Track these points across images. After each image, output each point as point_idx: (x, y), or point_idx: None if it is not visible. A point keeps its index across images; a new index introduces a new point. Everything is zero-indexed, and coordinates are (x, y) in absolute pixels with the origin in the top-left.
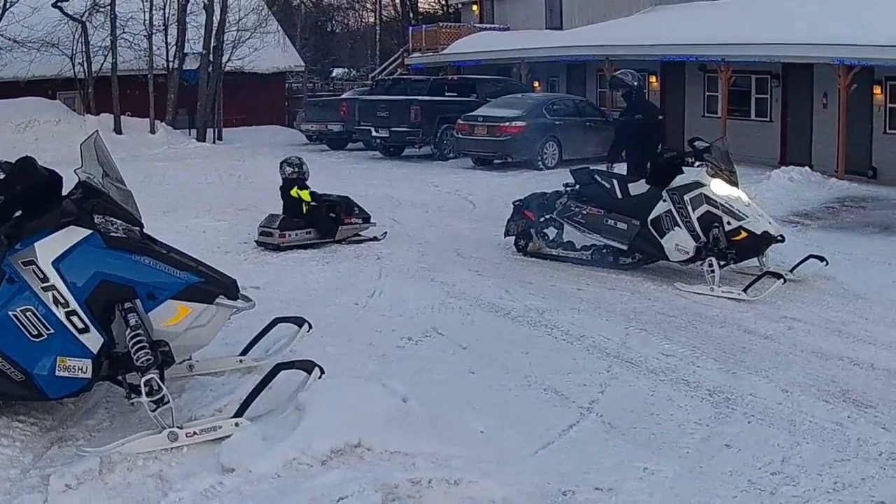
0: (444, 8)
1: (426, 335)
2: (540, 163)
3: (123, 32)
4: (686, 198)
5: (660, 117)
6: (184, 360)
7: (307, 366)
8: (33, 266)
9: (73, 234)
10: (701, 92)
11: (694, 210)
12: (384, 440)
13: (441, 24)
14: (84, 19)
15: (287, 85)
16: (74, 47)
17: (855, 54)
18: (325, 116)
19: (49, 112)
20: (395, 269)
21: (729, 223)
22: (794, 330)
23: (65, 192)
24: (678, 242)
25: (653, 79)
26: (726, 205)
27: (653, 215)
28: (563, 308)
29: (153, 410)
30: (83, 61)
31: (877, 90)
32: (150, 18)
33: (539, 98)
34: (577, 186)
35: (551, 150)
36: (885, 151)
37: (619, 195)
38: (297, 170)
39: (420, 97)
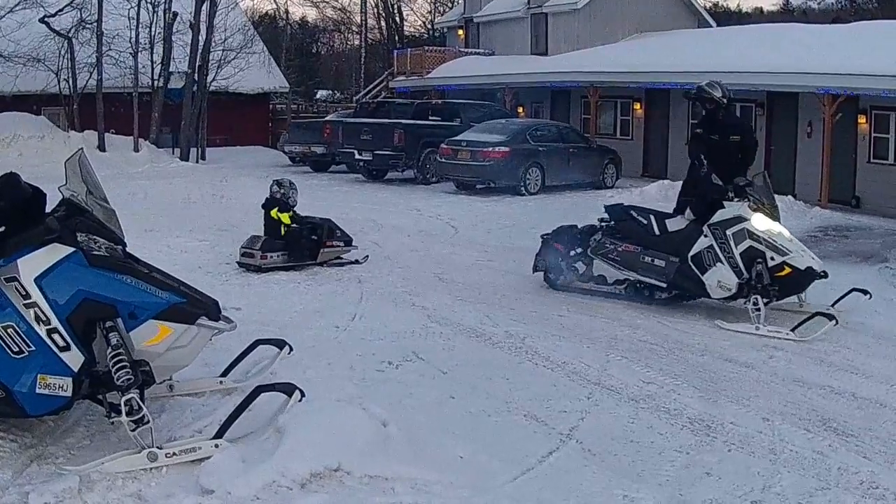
0: (430, 32)
1: (407, 359)
2: (523, 188)
3: (109, 49)
4: (728, 233)
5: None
6: (164, 381)
7: (287, 388)
8: (15, 283)
9: (55, 252)
10: (685, 119)
11: (737, 245)
12: (364, 464)
13: (426, 47)
14: (70, 35)
15: (271, 106)
16: (60, 63)
17: (840, 83)
18: (308, 138)
19: (33, 127)
20: (376, 292)
21: (772, 259)
22: (775, 358)
23: (48, 208)
24: (720, 279)
25: (637, 106)
26: (770, 240)
27: (693, 251)
28: (544, 334)
29: (133, 430)
30: (69, 77)
31: (861, 119)
32: (137, 36)
33: (523, 124)
34: (612, 222)
35: (534, 176)
36: (868, 181)
37: (657, 231)
38: (283, 192)
39: (404, 121)
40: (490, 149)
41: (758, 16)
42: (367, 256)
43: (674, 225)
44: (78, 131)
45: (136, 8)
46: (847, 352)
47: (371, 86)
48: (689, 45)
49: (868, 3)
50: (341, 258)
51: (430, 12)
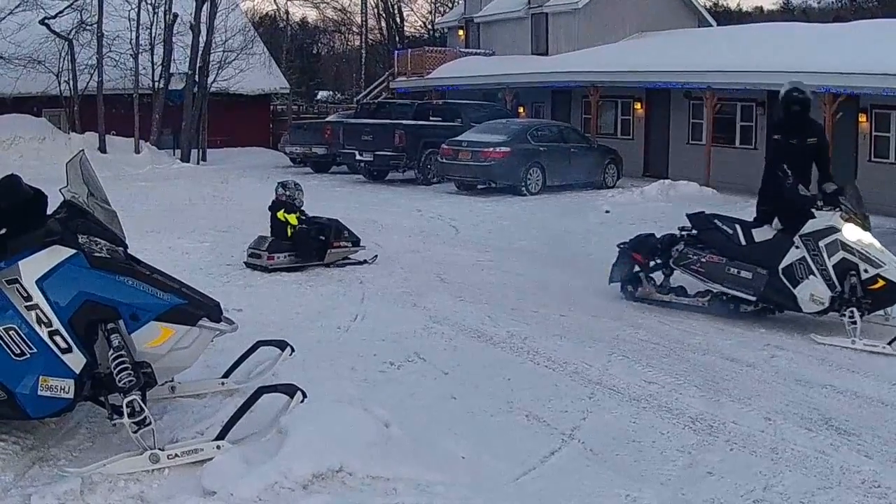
0: (430, 32)
1: (408, 360)
2: (524, 188)
3: (110, 51)
4: (821, 244)
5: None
6: (166, 382)
7: (289, 389)
8: (17, 284)
9: (57, 254)
10: (686, 119)
11: (829, 257)
12: (366, 465)
13: (426, 48)
14: (71, 37)
15: (272, 107)
16: (61, 65)
17: (840, 82)
18: (309, 139)
19: (34, 129)
20: (378, 293)
21: (866, 271)
22: (777, 357)
23: (49, 210)
24: (813, 292)
25: (638, 105)
26: (863, 251)
27: (784, 263)
28: (545, 334)
29: (135, 432)
30: (69, 79)
31: (862, 118)
32: (137, 38)
33: (523, 124)
34: (695, 232)
35: (535, 176)
36: (869, 179)
37: (743, 241)
38: (289, 193)
39: (404, 121)
40: (491, 149)
41: (758, 15)
42: (376, 257)
43: (761, 235)
44: (79, 133)
45: (136, 9)
46: (848, 351)
47: (372, 86)
48: (689, 44)
49: (868, 1)
50: (349, 259)
51: (430, 13)
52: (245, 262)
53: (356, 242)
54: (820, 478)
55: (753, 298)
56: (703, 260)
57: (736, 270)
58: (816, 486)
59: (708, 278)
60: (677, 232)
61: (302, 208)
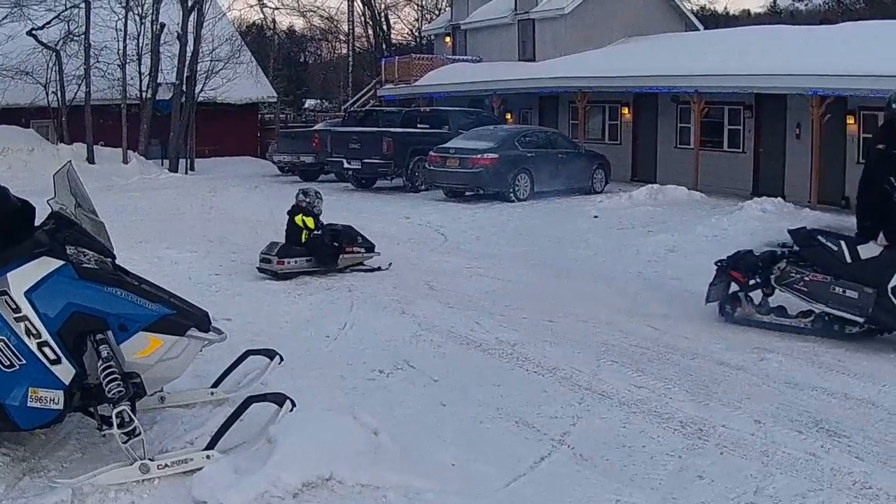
0: (417, 39)
1: (397, 368)
2: (512, 195)
3: (97, 62)
4: None
5: None
6: (155, 392)
7: (278, 398)
8: (5, 296)
9: (45, 265)
10: (673, 123)
11: None
12: (355, 473)
13: (414, 55)
14: (58, 48)
15: (259, 116)
16: (48, 76)
17: (828, 84)
18: (297, 148)
19: (22, 140)
20: (367, 301)
21: None
22: (767, 360)
23: (37, 222)
24: None
25: (625, 110)
26: None
27: (893, 282)
28: (534, 340)
29: (125, 442)
30: (57, 90)
31: (850, 120)
32: (124, 48)
33: (511, 130)
34: (797, 248)
35: (523, 182)
36: (858, 181)
37: (849, 259)
38: (308, 200)
39: (392, 129)
40: (479, 156)
41: (745, 18)
42: (391, 264)
43: (868, 252)
44: (67, 144)
45: (123, 20)
46: (838, 352)
47: (359, 94)
48: (676, 48)
49: (855, 3)
50: (364, 264)
51: (417, 20)
52: (258, 268)
53: (370, 248)
54: (811, 480)
55: (860, 319)
56: (807, 279)
57: (841, 290)
58: (807, 488)
59: (811, 298)
60: (777, 249)
61: (320, 216)
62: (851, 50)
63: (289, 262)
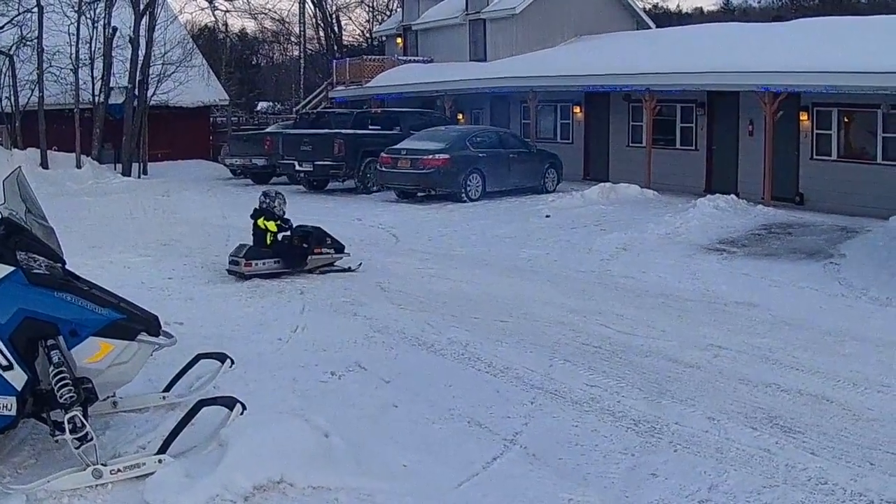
0: (369, 41)
1: (349, 370)
2: (464, 195)
3: (50, 66)
4: None
5: None
6: (108, 397)
7: (229, 402)
8: None
9: None
10: (625, 121)
11: None
12: (307, 476)
13: (365, 56)
14: (11, 53)
15: (212, 119)
16: (1, 81)
17: (781, 81)
18: (249, 150)
19: None
20: (319, 303)
21: None
22: (721, 357)
23: None
24: None
25: (577, 109)
26: None
27: None
28: (486, 340)
29: (77, 448)
30: (10, 95)
31: (803, 116)
32: (77, 52)
33: (462, 130)
34: None
35: (475, 183)
36: (812, 177)
37: None
38: (268, 202)
39: (343, 131)
40: (430, 156)
41: (698, 16)
42: (361, 264)
43: None
44: (21, 149)
45: (76, 24)
46: (792, 348)
47: (311, 96)
48: (627, 47)
49: (809, 0)
50: (334, 265)
51: (368, 21)
52: (227, 269)
53: (339, 249)
54: (765, 476)
55: None
56: None
57: None
58: (762, 484)
59: None
60: None
61: (284, 216)
62: (804, 46)
63: (256, 264)
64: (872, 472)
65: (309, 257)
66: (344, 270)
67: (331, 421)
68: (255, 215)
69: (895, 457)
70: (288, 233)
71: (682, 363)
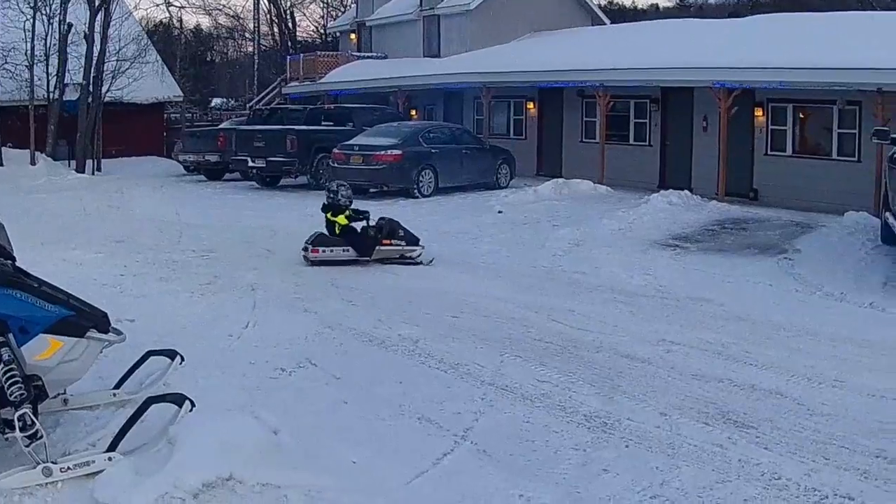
0: (323, 37)
1: (300, 366)
2: (416, 191)
3: (5, 63)
4: None
5: None
6: (58, 395)
7: (178, 399)
8: None
9: None
10: (579, 117)
11: None
12: (256, 473)
13: (319, 52)
14: None
15: (166, 115)
16: None
17: (735, 77)
18: (202, 147)
19: None
20: (270, 299)
21: None
22: (673, 353)
23: None
24: None
25: (531, 105)
26: None
27: None
28: (437, 337)
29: (27, 446)
30: None
31: (758, 112)
32: (32, 49)
33: (415, 126)
34: None
35: (427, 179)
36: (766, 173)
37: None
38: (332, 196)
39: (296, 127)
40: (382, 152)
41: (653, 12)
42: (433, 260)
43: None
44: None
45: (31, 20)
46: (745, 344)
47: (264, 92)
48: (582, 43)
49: None
50: (406, 257)
51: (322, 17)
52: (302, 256)
53: (412, 242)
54: (718, 472)
55: None
56: None
57: None
58: (714, 479)
59: None
60: None
61: (352, 207)
62: (759, 43)
63: (322, 251)
64: (826, 467)
65: (376, 248)
66: (413, 263)
67: (280, 417)
68: (324, 209)
69: (849, 451)
70: (364, 223)
71: (633, 358)
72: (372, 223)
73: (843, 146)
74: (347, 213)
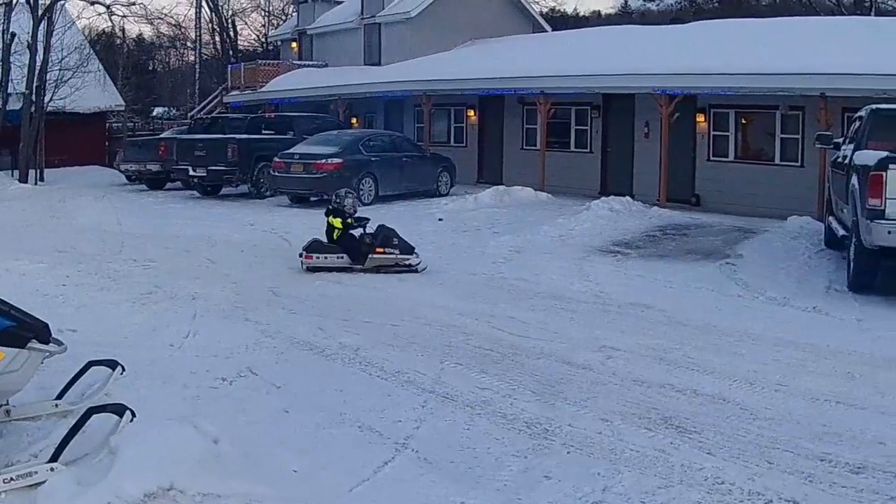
0: (264, 46)
1: (240, 375)
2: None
3: None
4: None
5: None
6: (0, 406)
7: (119, 409)
8: None
9: None
10: (520, 124)
11: None
12: (196, 482)
13: (260, 61)
14: None
15: (108, 124)
16: None
17: (677, 83)
18: (143, 156)
19: None
20: (210, 309)
21: None
22: (614, 359)
23: None
24: None
25: (471, 113)
26: None
27: None
28: (377, 344)
29: None
30: None
31: (700, 118)
32: None
33: (355, 134)
34: None
35: (368, 187)
36: (708, 179)
37: None
38: (339, 201)
39: (237, 136)
40: (323, 161)
41: (595, 19)
42: (427, 268)
43: None
44: None
45: None
46: (687, 349)
47: (206, 101)
48: (523, 50)
49: (708, 3)
50: (400, 265)
51: (264, 26)
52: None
53: (407, 251)
54: (661, 477)
55: None
56: None
57: None
58: (657, 485)
59: None
60: None
61: (355, 214)
62: (702, 49)
63: (317, 258)
64: (770, 471)
65: (370, 256)
66: (407, 271)
67: (221, 427)
68: (327, 213)
69: (793, 455)
70: (361, 230)
71: (574, 365)
72: (371, 230)
73: (786, 151)
74: (349, 220)
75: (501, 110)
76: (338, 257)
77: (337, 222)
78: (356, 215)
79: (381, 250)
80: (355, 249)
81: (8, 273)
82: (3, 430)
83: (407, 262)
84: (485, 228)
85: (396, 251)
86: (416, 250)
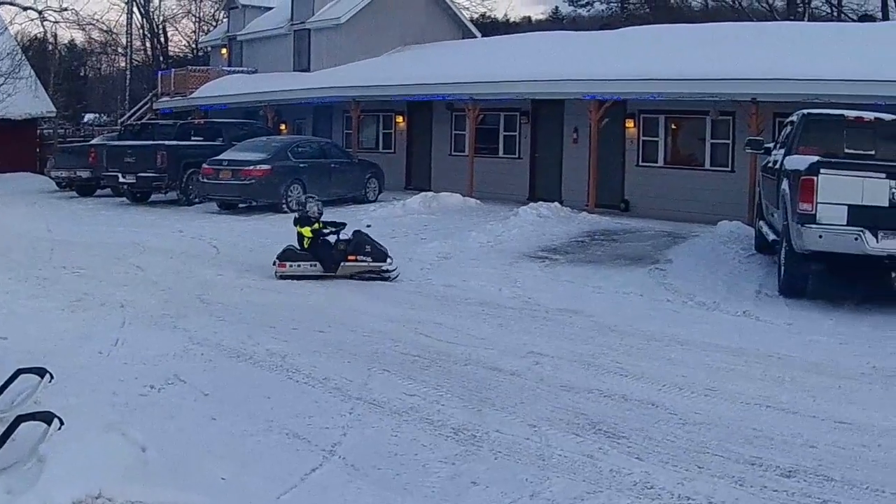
0: (195, 52)
1: (168, 383)
2: (284, 206)
3: None
4: None
5: None
6: None
7: (47, 417)
8: None
9: None
10: (448, 130)
11: None
12: (124, 490)
13: (190, 67)
14: None
15: (39, 131)
16: None
17: (606, 89)
18: (74, 163)
19: None
20: (139, 316)
21: None
22: (542, 365)
23: None
24: None
25: (400, 119)
26: None
27: None
28: (305, 351)
29: None
30: None
31: (629, 124)
32: None
33: (284, 141)
34: None
35: (296, 193)
36: (637, 184)
37: None
38: (301, 209)
39: (166, 142)
40: (251, 167)
41: (526, 25)
42: (399, 275)
43: None
44: None
45: None
46: (616, 354)
47: (136, 107)
48: (452, 56)
49: (639, 9)
50: (374, 273)
51: (194, 32)
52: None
53: (379, 258)
54: (589, 482)
55: None
56: None
57: None
58: (585, 490)
59: None
60: None
61: (321, 219)
62: (632, 55)
63: (290, 266)
64: (700, 476)
65: (342, 264)
66: (378, 279)
67: (149, 434)
68: (295, 222)
69: (723, 459)
70: (336, 237)
71: (502, 371)
72: (347, 236)
73: (716, 156)
74: (317, 225)
75: (430, 116)
76: (311, 265)
77: (306, 231)
78: (331, 220)
79: (353, 258)
80: (327, 257)
81: None
82: None
83: (380, 269)
84: (413, 234)
85: (369, 258)
86: (389, 256)
